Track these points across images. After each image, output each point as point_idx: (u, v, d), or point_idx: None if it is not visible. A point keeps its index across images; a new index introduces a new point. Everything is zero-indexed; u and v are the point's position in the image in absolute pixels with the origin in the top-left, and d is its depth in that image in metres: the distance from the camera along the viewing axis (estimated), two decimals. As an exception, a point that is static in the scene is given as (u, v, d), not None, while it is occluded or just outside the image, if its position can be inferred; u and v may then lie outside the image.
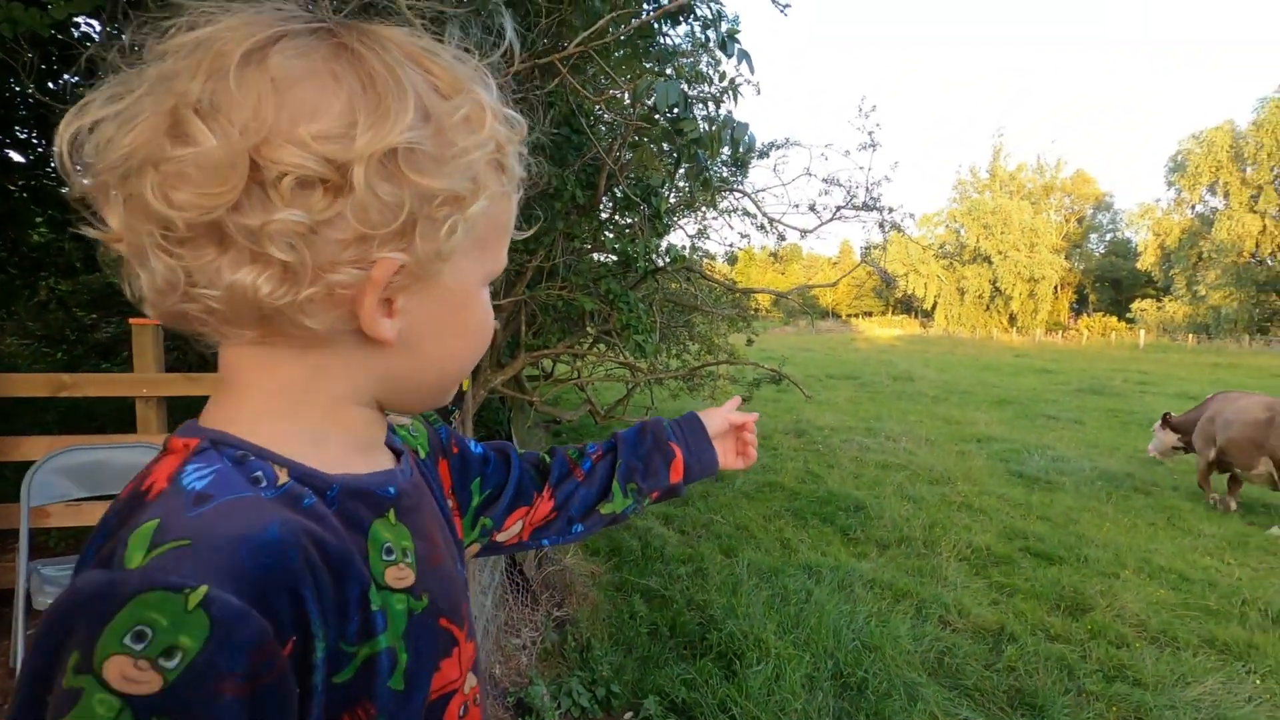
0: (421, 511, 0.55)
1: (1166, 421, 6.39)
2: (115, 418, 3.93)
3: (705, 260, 5.97)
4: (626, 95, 2.83)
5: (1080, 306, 55.78)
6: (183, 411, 2.07)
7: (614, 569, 3.83)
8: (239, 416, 0.46)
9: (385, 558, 0.48)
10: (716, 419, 0.89)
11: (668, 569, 3.78)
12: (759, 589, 3.49)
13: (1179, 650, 3.21)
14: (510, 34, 0.55)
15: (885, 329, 51.34)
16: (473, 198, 0.46)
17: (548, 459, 0.81)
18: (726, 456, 0.90)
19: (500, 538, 0.75)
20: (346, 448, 0.50)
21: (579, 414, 5.66)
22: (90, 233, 0.43)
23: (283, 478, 0.44)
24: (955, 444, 7.89)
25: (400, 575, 0.49)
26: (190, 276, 0.42)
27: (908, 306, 60.20)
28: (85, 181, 0.43)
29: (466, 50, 0.51)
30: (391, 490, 0.52)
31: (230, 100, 0.40)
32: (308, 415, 0.48)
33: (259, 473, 0.43)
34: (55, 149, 0.42)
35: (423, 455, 0.64)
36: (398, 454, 0.57)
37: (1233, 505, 5.62)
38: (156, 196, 0.40)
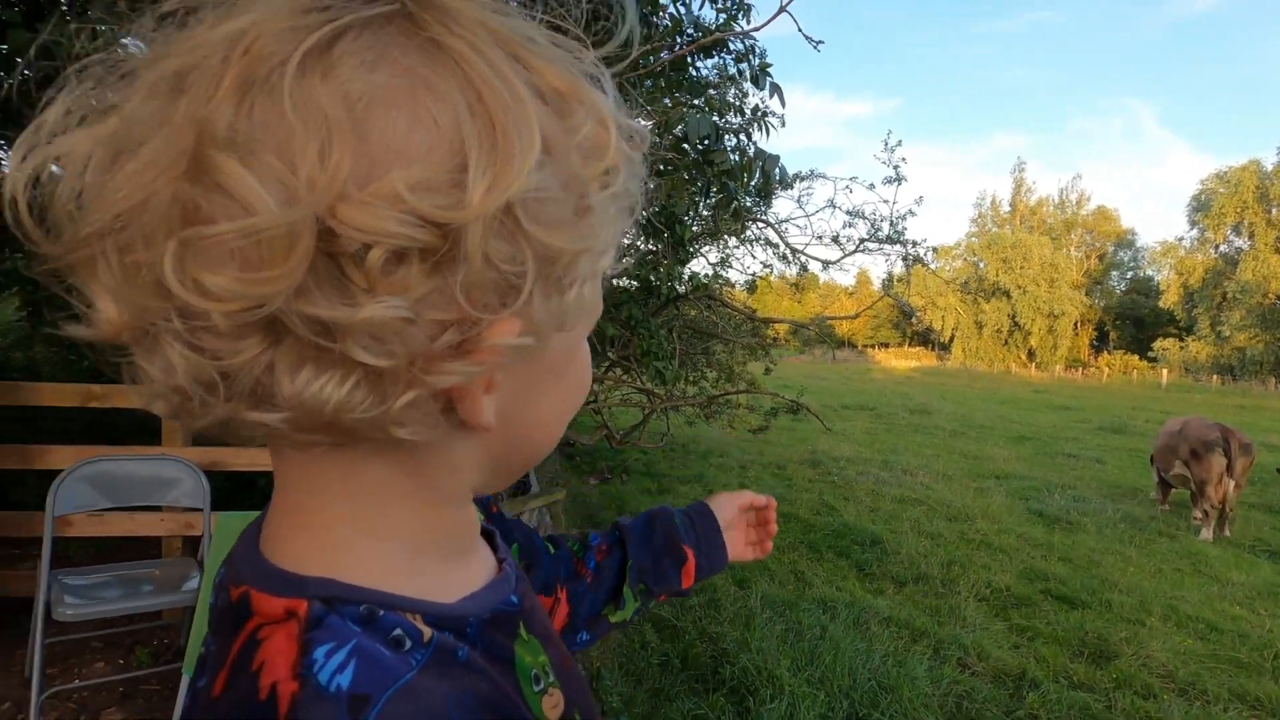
0: (536, 607, 0.44)
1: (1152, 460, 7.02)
2: (135, 428, 3.98)
3: (725, 288, 5.99)
4: (654, 125, 2.86)
5: (1101, 344, 55.15)
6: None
7: (626, 597, 3.79)
8: (329, 542, 0.35)
9: (535, 688, 0.39)
10: (728, 509, 0.80)
11: (680, 599, 3.73)
12: (773, 623, 3.44)
13: (1209, 703, 3.10)
14: (631, 12, 0.38)
15: (902, 360, 51.04)
16: (603, 249, 0.35)
17: (552, 547, 0.69)
18: (735, 546, 0.80)
19: None
20: (449, 557, 0.39)
21: (595, 438, 5.66)
22: (76, 333, 0.30)
23: (426, 632, 0.34)
24: (973, 480, 7.76)
25: (554, 703, 0.40)
26: (229, 379, 0.29)
27: (925, 338, 59.82)
28: (56, 249, 0.29)
29: (554, 26, 0.36)
30: (515, 600, 0.41)
31: (285, 134, 0.27)
32: (404, 527, 0.37)
33: (398, 631, 0.33)
34: (5, 193, 0.29)
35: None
36: (486, 535, 0.45)
37: (1164, 506, 6.74)
38: (180, 279, 0.27)
